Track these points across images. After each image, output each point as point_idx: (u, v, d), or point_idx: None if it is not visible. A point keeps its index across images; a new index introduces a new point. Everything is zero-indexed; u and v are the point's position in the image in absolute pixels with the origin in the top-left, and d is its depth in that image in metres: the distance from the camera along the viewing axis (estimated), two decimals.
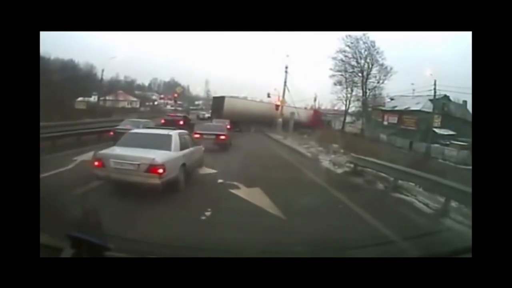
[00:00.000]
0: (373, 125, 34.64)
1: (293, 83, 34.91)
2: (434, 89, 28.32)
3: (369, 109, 36.33)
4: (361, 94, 36.15)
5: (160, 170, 6.37)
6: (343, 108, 37.56)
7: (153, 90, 48.95)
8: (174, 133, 7.77)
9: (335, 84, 36.24)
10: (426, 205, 7.71)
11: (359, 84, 35.98)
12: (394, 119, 33.26)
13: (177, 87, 44.70)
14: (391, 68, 34.52)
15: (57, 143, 12.64)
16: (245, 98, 35.49)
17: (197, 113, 38.90)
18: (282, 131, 27.83)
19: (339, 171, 12.25)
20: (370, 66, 35.32)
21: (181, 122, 19.95)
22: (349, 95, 36.68)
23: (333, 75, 36.00)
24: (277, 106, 31.39)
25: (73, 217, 2.21)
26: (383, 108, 35.03)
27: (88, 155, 9.85)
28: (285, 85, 32.18)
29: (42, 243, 1.65)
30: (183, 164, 7.43)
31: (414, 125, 30.81)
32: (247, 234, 4.53)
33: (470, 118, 15.33)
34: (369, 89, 35.79)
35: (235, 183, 7.99)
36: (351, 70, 35.71)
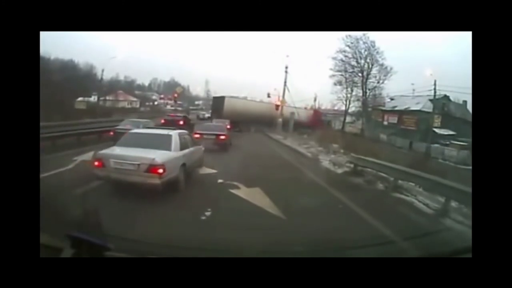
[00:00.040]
0: (373, 125, 34.65)
1: (293, 83, 34.94)
2: (434, 89, 28.34)
3: (369, 109, 36.33)
4: (361, 94, 36.20)
5: (160, 170, 6.36)
6: (343, 108, 37.63)
7: (153, 90, 48.96)
8: (174, 133, 7.76)
9: (335, 84, 36.30)
10: (426, 205, 7.70)
11: (359, 84, 36.04)
12: (394, 119, 33.26)
13: (177, 87, 44.72)
14: (391, 68, 34.58)
15: (57, 143, 12.63)
16: (245, 98, 35.49)
17: (197, 113, 38.90)
18: (282, 131, 27.83)
19: (339, 171, 12.24)
20: (370, 66, 35.37)
21: (181, 122, 19.95)
22: (349, 95, 36.75)
23: (333, 75, 36.07)
24: (277, 106, 31.39)
25: (72, 217, 2.21)
26: (383, 108, 35.03)
27: (88, 155, 9.84)
28: (285, 85, 32.22)
29: (42, 243, 1.65)
30: (183, 164, 7.43)
31: (414, 125, 30.81)
32: (247, 234, 4.52)
33: (470, 118, 15.33)
34: (369, 89, 35.83)
35: (235, 183, 7.98)
36: (351, 70, 35.77)
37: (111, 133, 13.57)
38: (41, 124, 2.39)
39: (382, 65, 34.92)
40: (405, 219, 6.68)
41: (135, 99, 42.62)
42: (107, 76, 37.98)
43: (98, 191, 6.54)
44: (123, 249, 1.87)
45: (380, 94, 35.81)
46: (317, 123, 32.63)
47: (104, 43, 55.50)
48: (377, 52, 34.72)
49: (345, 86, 36.32)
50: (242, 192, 7.40)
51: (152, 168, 6.34)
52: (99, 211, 1.97)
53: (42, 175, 1.98)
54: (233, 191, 7.50)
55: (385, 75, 34.92)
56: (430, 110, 29.34)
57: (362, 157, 11.86)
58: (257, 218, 5.74)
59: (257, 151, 16.95)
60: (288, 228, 5.31)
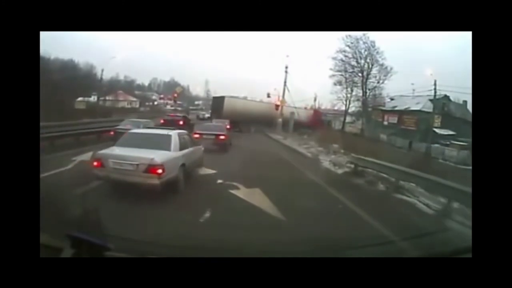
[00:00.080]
0: (373, 125, 34.64)
1: (293, 83, 35.05)
2: (434, 89, 28.35)
3: (369, 109, 36.32)
4: (361, 94, 36.18)
5: (159, 170, 6.34)
6: (343, 108, 37.62)
7: (153, 90, 48.94)
8: (174, 133, 7.74)
9: (335, 84, 36.29)
10: (427, 205, 7.67)
11: (359, 84, 36.03)
12: (394, 119, 33.27)
13: (177, 87, 44.73)
14: (391, 68, 34.56)
15: (56, 143, 12.62)
16: (245, 98, 35.51)
17: (197, 113, 38.90)
18: (282, 131, 27.83)
19: (340, 171, 12.21)
20: (370, 66, 35.36)
21: (181, 122, 19.94)
22: (349, 95, 36.74)
23: (333, 75, 36.05)
24: (276, 106, 31.39)
25: (71, 217, 2.21)
26: (383, 108, 35.03)
27: (87, 155, 9.81)
28: (285, 85, 32.22)
29: (42, 243, 1.65)
30: (183, 164, 7.40)
31: (414, 125, 30.82)
32: (246, 235, 4.50)
33: (470, 118, 15.33)
34: (369, 89, 35.82)
35: (235, 183, 7.95)
36: (351, 70, 35.75)
37: (112, 133, 13.57)
38: (41, 124, 2.39)
39: (382, 65, 34.97)
40: (405, 219, 6.66)
41: (135, 99, 42.61)
42: (107, 76, 38.02)
43: (97, 191, 6.51)
44: (123, 249, 1.87)
45: (380, 94, 35.85)
46: (317, 123, 32.62)
47: (104, 43, 55.61)
48: (377, 52, 34.77)
49: (345, 86, 36.37)
50: (242, 192, 7.37)
51: (151, 168, 6.32)
52: (98, 211, 1.97)
53: (41, 175, 1.97)
54: (233, 191, 7.47)
55: (385, 75, 34.97)
56: (430, 110, 29.34)
57: (362, 157, 11.83)
58: (257, 219, 5.71)
59: (257, 151, 16.91)
60: (288, 229, 5.29)
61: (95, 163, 6.69)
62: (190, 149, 8.31)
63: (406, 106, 32.22)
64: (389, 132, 32.23)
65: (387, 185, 9.64)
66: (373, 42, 34.38)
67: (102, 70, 34.95)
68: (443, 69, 36.54)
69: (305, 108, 36.67)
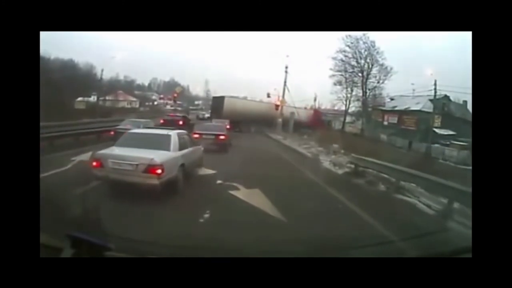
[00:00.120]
0: (373, 125, 34.65)
1: (293, 83, 35.02)
2: (435, 89, 28.34)
3: (369, 109, 36.33)
4: (361, 94, 36.19)
5: (159, 171, 6.32)
6: (343, 108, 37.62)
7: (153, 90, 48.92)
8: (173, 133, 7.73)
9: (335, 84, 36.28)
10: (428, 206, 7.65)
11: (359, 84, 36.03)
12: (394, 119, 33.27)
13: (176, 87, 44.71)
14: (391, 68, 34.57)
15: (56, 143, 12.61)
16: (245, 98, 35.54)
17: (196, 113, 38.90)
18: (282, 131, 27.84)
19: (340, 171, 12.20)
20: (370, 66, 35.37)
21: (181, 122, 19.94)
22: (349, 95, 36.74)
23: (333, 75, 36.04)
24: (276, 106, 31.39)
25: (68, 218, 2.21)
26: (383, 108, 35.03)
27: (86, 155, 9.78)
28: (285, 85, 32.26)
29: (42, 243, 1.65)
30: (182, 165, 7.38)
31: (414, 125, 30.82)
32: (246, 236, 4.50)
33: (470, 118, 15.33)
34: (369, 89, 35.83)
35: (234, 184, 7.91)
36: (351, 70, 35.76)
37: (112, 132, 13.57)
38: (41, 124, 2.39)
39: (382, 65, 34.97)
40: (406, 220, 6.62)
41: (134, 99, 42.59)
42: (107, 76, 37.96)
43: (96, 192, 6.47)
44: (123, 249, 1.86)
45: (380, 94, 35.87)
46: (317, 123, 32.63)
47: (104, 43, 55.34)
48: (377, 52, 34.78)
49: (345, 86, 36.37)
50: (241, 193, 7.33)
51: (150, 168, 6.30)
52: (97, 211, 1.97)
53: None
54: (232, 192, 7.43)
55: (385, 75, 34.98)
56: (430, 110, 29.35)
57: (363, 157, 11.84)
58: (257, 220, 5.68)
59: (256, 151, 16.92)
60: (288, 230, 5.27)
61: (94, 163, 6.67)
62: (190, 149, 8.29)
63: (406, 106, 32.23)
64: (389, 132, 32.23)
65: (388, 186, 9.63)
66: (373, 42, 34.44)
67: (102, 70, 34.98)
68: (443, 69, 36.45)
69: (305, 108, 36.71)
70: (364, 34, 33.84)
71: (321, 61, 64.89)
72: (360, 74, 35.67)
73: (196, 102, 47.97)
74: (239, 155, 14.12)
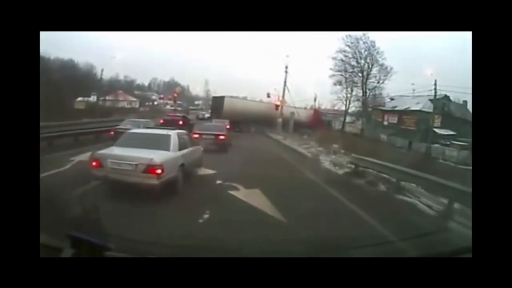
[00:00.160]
0: (373, 125, 34.64)
1: (293, 83, 35.01)
2: (435, 89, 28.33)
3: (369, 109, 36.31)
4: (361, 94, 36.15)
5: (158, 171, 6.29)
6: (343, 108, 37.59)
7: (153, 90, 48.89)
8: (173, 133, 7.71)
9: (335, 84, 36.24)
10: (429, 206, 7.62)
11: (359, 84, 36.00)
12: (394, 119, 33.27)
13: (176, 87, 44.71)
14: (391, 68, 34.53)
15: (55, 143, 12.59)
16: (245, 98, 35.55)
17: (196, 113, 38.88)
18: (282, 131, 27.83)
19: (340, 172, 12.18)
20: (370, 66, 35.33)
21: (180, 122, 19.92)
22: (349, 95, 36.70)
23: (333, 75, 35.99)
24: (276, 106, 31.37)
25: (69, 218, 2.21)
26: (383, 108, 35.02)
27: (85, 155, 9.74)
28: (285, 85, 32.25)
29: (42, 243, 1.65)
30: (182, 165, 7.36)
31: (414, 125, 30.82)
32: (246, 236, 4.48)
33: (470, 118, 15.33)
34: (369, 89, 35.79)
35: (234, 184, 7.88)
36: (351, 70, 35.72)
37: (112, 132, 13.56)
38: (41, 124, 2.38)
39: (382, 65, 34.93)
40: (406, 221, 6.57)
41: (134, 99, 42.58)
42: (107, 76, 37.97)
43: (95, 192, 6.44)
44: (123, 249, 1.86)
45: (380, 94, 35.81)
46: (317, 123, 32.62)
47: (104, 43, 55.28)
48: (377, 52, 34.73)
49: (345, 86, 36.33)
50: (241, 193, 7.30)
51: (150, 168, 6.28)
52: (96, 211, 1.97)
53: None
54: (232, 192, 7.40)
55: (385, 75, 34.93)
56: (430, 110, 29.34)
57: (363, 157, 11.83)
58: (256, 220, 5.65)
59: (256, 151, 16.90)
60: (288, 230, 5.26)
61: (93, 163, 6.64)
62: (190, 149, 8.28)
63: (406, 106, 32.22)
64: (389, 132, 32.23)
65: (388, 186, 9.62)
66: (373, 42, 34.40)
67: (102, 70, 34.98)
68: (443, 69, 36.33)
69: (305, 108, 36.69)
70: (364, 34, 33.86)
71: (321, 61, 64.73)
72: (360, 74, 35.68)
73: (196, 102, 47.94)
74: (239, 155, 14.10)
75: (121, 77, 43.34)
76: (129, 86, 44.29)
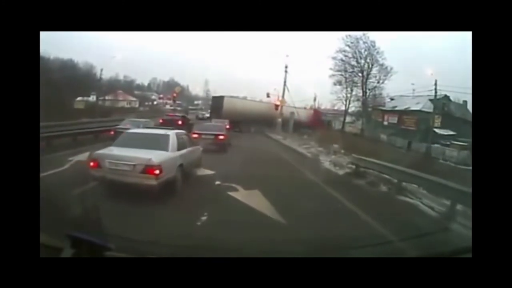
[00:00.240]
0: (373, 125, 34.64)
1: (293, 83, 34.96)
2: (435, 89, 28.32)
3: (369, 109, 36.31)
4: (361, 94, 36.15)
5: (157, 171, 6.25)
6: (343, 108, 37.58)
7: (153, 90, 48.88)
8: (172, 133, 7.67)
9: (335, 84, 36.24)
10: (431, 208, 7.58)
11: (359, 84, 36.00)
12: (394, 119, 33.27)
13: (176, 86, 44.70)
14: (391, 68, 34.52)
15: (54, 143, 12.56)
16: (244, 98, 35.53)
17: (196, 113, 38.86)
18: (282, 131, 27.82)
19: (341, 172, 12.15)
20: (370, 66, 35.32)
21: (180, 122, 19.91)
22: (349, 95, 36.69)
23: (333, 75, 35.98)
24: (276, 106, 31.35)
25: (69, 218, 2.20)
26: (383, 108, 35.02)
27: (84, 155, 9.68)
28: (284, 85, 32.22)
29: (42, 243, 1.65)
30: (181, 165, 7.31)
31: (414, 125, 30.81)
32: (245, 237, 4.44)
33: (470, 118, 15.33)
34: (369, 89, 35.79)
35: (233, 185, 7.82)
36: (351, 70, 35.71)
37: (112, 132, 13.55)
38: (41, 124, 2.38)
39: (382, 65, 34.93)
40: (408, 222, 6.52)
41: (134, 99, 42.59)
42: (107, 75, 37.99)
43: (93, 192, 6.34)
44: (123, 249, 1.86)
45: (380, 94, 35.80)
46: (317, 123, 32.61)
47: (104, 43, 55.32)
48: (377, 52, 34.73)
49: (345, 86, 36.32)
50: (240, 194, 7.24)
51: (148, 168, 6.23)
52: (95, 211, 1.97)
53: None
54: (231, 193, 7.33)
55: (385, 75, 34.93)
56: (430, 110, 29.34)
57: (363, 157, 11.81)
58: (255, 222, 5.59)
59: (256, 151, 16.87)
60: (288, 231, 5.24)
61: (91, 164, 6.59)
62: (189, 149, 8.23)
63: (406, 106, 32.22)
64: (389, 132, 32.23)
65: (389, 186, 9.59)
66: (373, 42, 34.40)
67: (101, 70, 34.98)
68: (443, 69, 36.37)
69: (305, 108, 36.66)
70: (364, 34, 33.87)
71: (321, 61, 64.64)
72: (360, 74, 35.68)
73: (195, 102, 47.91)
74: (239, 155, 14.08)
75: (121, 77, 43.47)
76: (128, 86, 44.29)
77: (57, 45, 37.69)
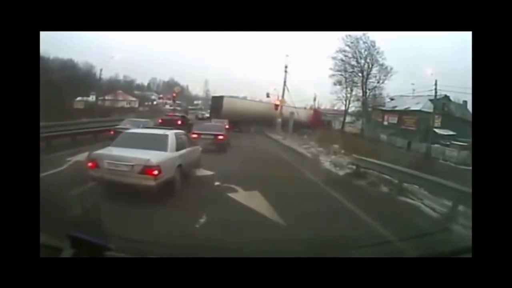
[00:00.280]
0: (373, 125, 34.64)
1: (293, 83, 34.95)
2: (435, 89, 28.34)
3: (369, 109, 36.32)
4: (361, 94, 36.18)
5: (155, 172, 6.21)
6: (343, 108, 37.60)
7: (152, 90, 48.86)
8: (171, 133, 7.64)
9: (334, 84, 36.25)
10: (433, 209, 7.55)
11: (359, 84, 36.02)
12: (394, 119, 33.27)
13: (175, 86, 44.70)
14: (391, 68, 34.54)
15: (53, 143, 12.55)
16: (244, 98, 35.52)
17: (196, 113, 38.89)
18: (281, 131, 27.82)
19: (341, 173, 12.11)
20: (370, 66, 35.34)
21: (179, 122, 19.91)
22: (348, 95, 36.71)
23: (333, 75, 36.01)
24: (276, 106, 31.34)
25: (68, 218, 2.20)
26: (383, 108, 35.02)
27: (82, 156, 9.64)
28: (284, 85, 32.22)
29: (42, 243, 1.65)
30: (179, 165, 7.27)
31: (414, 125, 30.82)
32: (245, 238, 4.42)
33: (470, 118, 15.31)
34: (369, 89, 35.81)
35: (233, 186, 7.77)
36: (351, 70, 35.73)
37: (112, 132, 13.54)
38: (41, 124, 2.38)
39: (382, 65, 34.95)
40: (408, 223, 6.46)
41: (134, 98, 42.58)
42: (107, 75, 37.98)
43: (93, 192, 6.14)
44: (123, 249, 1.86)
45: (380, 94, 35.82)
46: (317, 123, 32.61)
47: (104, 43, 55.17)
48: (377, 52, 34.76)
49: (345, 86, 36.34)
50: (240, 195, 7.19)
51: (146, 169, 6.20)
52: (95, 211, 1.97)
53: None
54: (231, 194, 7.27)
55: (385, 75, 34.95)
56: (430, 110, 29.34)
57: (364, 158, 11.79)
58: (255, 225, 5.53)
59: (256, 151, 16.85)
60: (287, 232, 5.22)
61: (90, 164, 6.56)
62: (188, 149, 8.19)
63: (406, 106, 32.22)
64: (389, 132, 32.24)
65: (389, 187, 9.57)
66: (373, 42, 34.43)
67: (101, 70, 34.98)
68: (443, 69, 36.25)
69: (305, 108, 36.67)
70: (364, 34, 33.89)
71: (321, 61, 64.52)
72: (360, 74, 35.70)
73: (195, 102, 47.90)
74: (238, 155, 14.04)
75: (121, 77, 43.43)
76: (128, 86, 44.27)
77: (57, 45, 37.63)
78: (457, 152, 23.86)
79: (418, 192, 8.85)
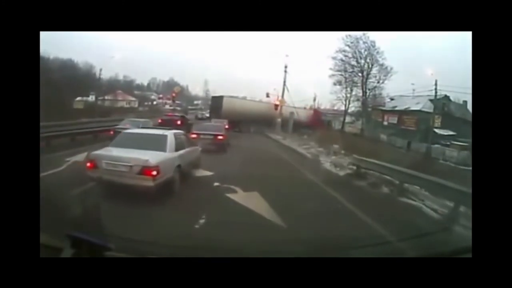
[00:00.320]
0: (373, 125, 34.64)
1: (293, 83, 34.96)
2: (435, 89, 28.33)
3: (369, 109, 36.30)
4: (361, 94, 36.15)
5: (154, 172, 6.16)
6: (343, 108, 37.58)
7: (152, 90, 48.86)
8: (170, 133, 7.61)
9: (334, 84, 36.23)
10: (434, 210, 7.52)
11: (359, 84, 36.00)
12: (394, 119, 33.26)
13: (175, 86, 44.70)
14: (391, 68, 34.51)
15: (53, 143, 12.53)
16: (244, 97, 35.51)
17: (195, 113, 38.90)
18: (281, 131, 27.81)
19: (341, 173, 12.06)
20: (370, 66, 35.31)
21: (179, 122, 19.90)
22: (348, 95, 36.70)
23: (333, 75, 35.98)
24: (276, 106, 31.33)
25: (68, 218, 2.20)
26: (383, 108, 35.01)
27: (81, 156, 9.58)
28: (284, 85, 32.21)
29: (42, 243, 1.65)
30: (179, 166, 7.23)
31: (414, 125, 30.81)
32: (245, 238, 4.41)
33: (470, 118, 15.31)
34: (369, 89, 35.78)
35: (232, 186, 7.71)
36: (351, 70, 35.71)
37: (111, 132, 13.53)
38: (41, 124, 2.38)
39: (382, 65, 34.92)
40: (409, 223, 6.45)
41: (133, 98, 42.58)
42: (106, 75, 37.98)
43: (92, 192, 6.14)
44: (123, 249, 1.86)
45: (380, 94, 35.79)
46: (316, 123, 32.59)
47: (104, 43, 55.19)
48: (377, 52, 34.73)
49: (344, 86, 36.32)
50: (239, 196, 7.14)
51: (145, 169, 6.15)
52: (95, 211, 1.97)
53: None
54: (230, 195, 7.21)
55: (385, 75, 34.92)
56: (430, 110, 29.34)
57: (364, 158, 11.78)
58: (255, 223, 5.54)
59: (256, 151, 16.82)
60: (287, 232, 5.20)
61: (88, 164, 6.52)
62: (187, 149, 8.15)
63: (406, 106, 32.22)
64: (389, 132, 32.23)
65: (389, 187, 9.54)
66: (373, 42, 34.40)
67: (101, 70, 34.97)
68: (443, 69, 36.23)
69: (305, 108, 36.67)
70: (364, 34, 33.88)
71: (321, 61, 64.50)
72: (360, 74, 35.67)
73: (195, 102, 47.92)
74: (238, 156, 14.01)
75: (121, 77, 43.41)
76: (128, 86, 44.24)
77: (57, 45, 37.64)
78: (457, 152, 23.85)
79: (418, 192, 8.84)
